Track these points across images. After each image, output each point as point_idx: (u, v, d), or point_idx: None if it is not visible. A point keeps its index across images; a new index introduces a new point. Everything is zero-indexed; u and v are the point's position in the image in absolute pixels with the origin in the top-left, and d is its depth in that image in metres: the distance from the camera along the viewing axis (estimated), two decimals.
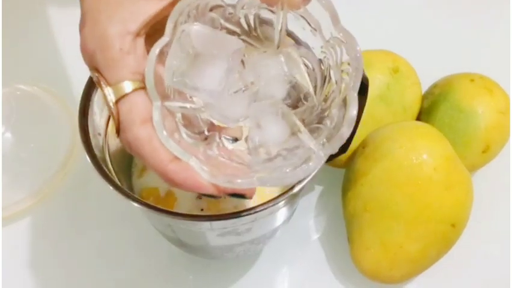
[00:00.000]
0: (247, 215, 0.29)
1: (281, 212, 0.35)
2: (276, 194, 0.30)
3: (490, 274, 0.42)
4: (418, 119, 0.44)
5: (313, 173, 0.29)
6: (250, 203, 0.32)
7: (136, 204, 0.30)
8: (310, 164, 0.25)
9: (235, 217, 0.29)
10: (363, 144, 0.40)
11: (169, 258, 0.42)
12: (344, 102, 0.25)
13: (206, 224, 0.31)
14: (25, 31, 0.54)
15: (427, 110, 0.44)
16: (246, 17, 0.28)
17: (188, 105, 0.27)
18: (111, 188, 0.30)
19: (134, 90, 0.26)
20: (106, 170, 0.31)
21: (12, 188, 0.44)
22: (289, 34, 0.28)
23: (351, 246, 0.40)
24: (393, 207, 0.37)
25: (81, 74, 0.34)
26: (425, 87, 0.45)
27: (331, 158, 0.35)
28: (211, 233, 0.33)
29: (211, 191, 0.26)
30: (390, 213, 0.37)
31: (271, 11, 0.27)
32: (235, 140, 0.30)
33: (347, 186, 0.41)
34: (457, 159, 0.38)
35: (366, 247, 0.38)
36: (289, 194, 0.30)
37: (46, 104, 0.49)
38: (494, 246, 0.43)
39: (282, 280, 0.42)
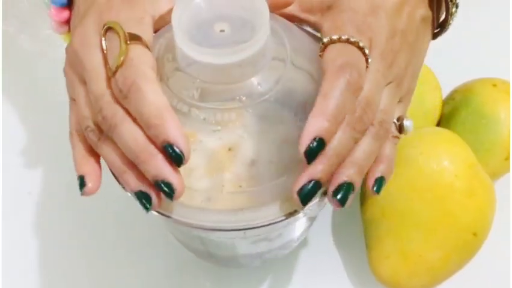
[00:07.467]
0: (283, 220, 0.27)
1: (311, 214, 0.34)
2: None
3: None
4: (439, 124, 0.43)
5: None
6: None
7: (166, 219, 0.28)
8: None
9: (275, 222, 0.27)
10: None
11: (184, 265, 0.42)
12: None
13: (239, 233, 0.29)
14: None
15: (448, 116, 0.43)
16: None
17: None
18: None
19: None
20: None
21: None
22: None
23: (369, 254, 0.39)
24: (413, 215, 0.36)
25: None
26: (445, 93, 0.44)
27: None
28: (244, 241, 0.32)
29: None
30: (410, 221, 0.36)
31: None
32: None
33: (365, 193, 0.40)
34: (479, 166, 0.37)
35: (385, 255, 0.37)
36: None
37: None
38: None
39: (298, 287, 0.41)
